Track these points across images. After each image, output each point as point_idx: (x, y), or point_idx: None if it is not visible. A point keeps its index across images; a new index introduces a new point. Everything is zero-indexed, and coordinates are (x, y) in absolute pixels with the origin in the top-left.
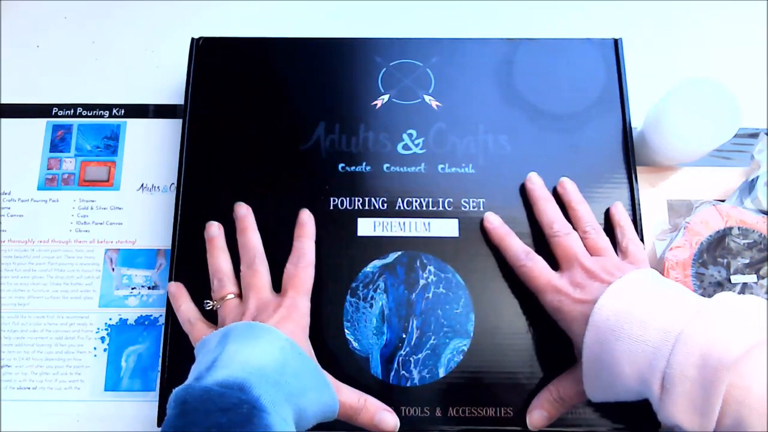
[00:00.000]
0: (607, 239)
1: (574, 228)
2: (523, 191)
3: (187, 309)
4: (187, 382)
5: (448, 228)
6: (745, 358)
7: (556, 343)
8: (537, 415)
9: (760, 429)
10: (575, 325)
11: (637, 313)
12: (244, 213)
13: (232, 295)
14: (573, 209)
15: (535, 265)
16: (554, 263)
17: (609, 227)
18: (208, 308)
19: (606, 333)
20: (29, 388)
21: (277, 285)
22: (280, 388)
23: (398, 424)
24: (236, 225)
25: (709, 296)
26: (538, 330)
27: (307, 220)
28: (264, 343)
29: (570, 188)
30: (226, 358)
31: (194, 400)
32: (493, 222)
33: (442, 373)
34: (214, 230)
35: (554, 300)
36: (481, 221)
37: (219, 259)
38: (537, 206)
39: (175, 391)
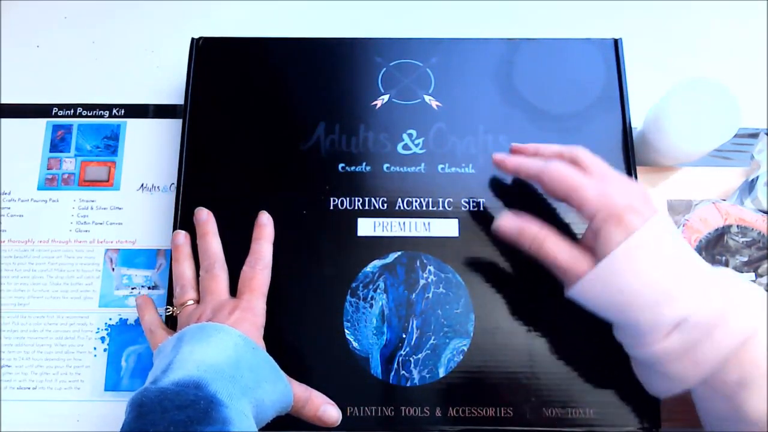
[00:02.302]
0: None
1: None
2: (524, 191)
3: (150, 319)
4: (143, 386)
5: (448, 228)
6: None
7: (556, 343)
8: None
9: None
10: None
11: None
12: (205, 218)
13: (191, 301)
14: (540, 152)
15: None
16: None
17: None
18: (168, 314)
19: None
20: (29, 388)
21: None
22: (236, 382)
23: (340, 418)
24: (197, 230)
25: None
26: (538, 330)
27: (266, 222)
28: (216, 341)
29: (521, 146)
30: (181, 359)
31: (150, 402)
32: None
33: (442, 373)
34: (180, 239)
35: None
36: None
37: (183, 265)
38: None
39: (131, 396)
